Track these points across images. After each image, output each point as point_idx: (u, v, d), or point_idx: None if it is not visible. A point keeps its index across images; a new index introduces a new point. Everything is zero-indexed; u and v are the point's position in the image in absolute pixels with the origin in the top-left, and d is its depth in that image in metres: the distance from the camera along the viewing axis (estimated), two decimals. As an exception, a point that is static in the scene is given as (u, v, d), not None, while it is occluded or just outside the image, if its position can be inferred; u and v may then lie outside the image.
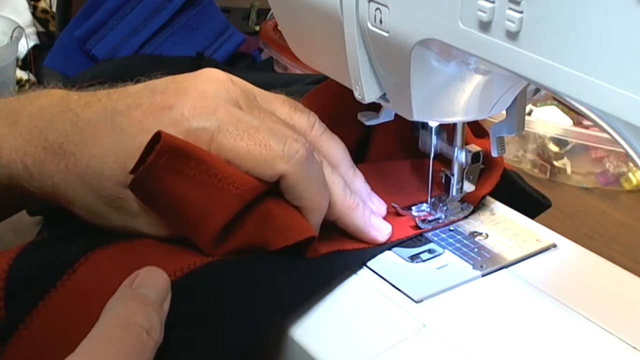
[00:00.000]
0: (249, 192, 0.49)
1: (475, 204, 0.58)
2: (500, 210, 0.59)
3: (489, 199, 0.59)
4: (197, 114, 0.50)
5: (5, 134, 0.52)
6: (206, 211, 0.48)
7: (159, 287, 0.43)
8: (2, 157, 0.52)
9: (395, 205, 0.57)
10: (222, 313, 0.46)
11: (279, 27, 0.59)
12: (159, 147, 0.47)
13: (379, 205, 0.56)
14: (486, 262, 0.53)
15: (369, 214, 0.54)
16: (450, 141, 0.56)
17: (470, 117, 0.53)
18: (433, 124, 0.56)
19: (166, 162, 0.47)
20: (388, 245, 0.54)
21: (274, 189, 0.51)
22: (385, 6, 0.46)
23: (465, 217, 0.58)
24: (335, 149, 0.56)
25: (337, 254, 0.52)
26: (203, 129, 0.49)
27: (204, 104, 0.50)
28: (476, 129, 0.59)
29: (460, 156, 0.55)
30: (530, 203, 0.61)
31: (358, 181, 0.56)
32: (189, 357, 0.44)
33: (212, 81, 0.53)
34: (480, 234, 0.56)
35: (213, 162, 0.49)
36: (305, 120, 0.56)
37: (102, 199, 0.50)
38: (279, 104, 0.56)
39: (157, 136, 0.47)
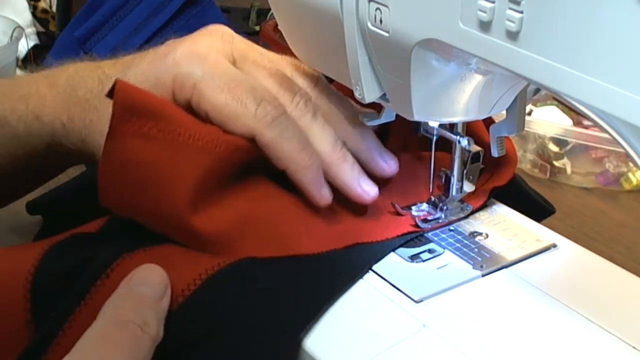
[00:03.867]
0: (221, 145, 0.49)
1: (486, 197, 0.58)
2: (500, 210, 0.59)
3: (490, 199, 0.59)
4: (187, 60, 0.52)
5: (46, 95, 0.57)
6: (175, 167, 0.48)
7: (155, 284, 0.44)
8: (45, 115, 0.56)
9: (395, 205, 0.57)
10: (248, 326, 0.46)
11: (279, 27, 0.59)
12: (114, 108, 0.48)
13: (390, 162, 0.57)
14: (486, 262, 0.53)
15: (358, 173, 0.55)
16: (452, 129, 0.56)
17: (470, 117, 0.53)
18: (433, 124, 0.56)
19: (123, 124, 0.48)
20: (392, 246, 0.54)
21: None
22: (386, 6, 0.46)
23: (465, 217, 0.58)
24: (335, 104, 0.56)
25: (343, 256, 0.52)
26: (189, 74, 0.52)
27: (196, 51, 0.53)
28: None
29: (463, 142, 0.55)
30: (534, 209, 0.61)
31: (361, 137, 0.56)
32: None
33: (211, 33, 0.56)
34: (480, 234, 0.56)
35: (174, 119, 0.49)
36: (308, 77, 0.57)
37: None
38: (284, 62, 0.58)
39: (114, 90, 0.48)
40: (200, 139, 0.49)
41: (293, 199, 0.54)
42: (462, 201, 0.58)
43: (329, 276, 0.50)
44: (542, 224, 0.58)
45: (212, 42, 0.55)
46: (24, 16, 1.07)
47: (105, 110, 0.52)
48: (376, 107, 0.56)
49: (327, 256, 0.52)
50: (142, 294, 0.43)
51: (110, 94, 0.49)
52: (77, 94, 0.56)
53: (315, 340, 0.47)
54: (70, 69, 0.58)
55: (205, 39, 0.55)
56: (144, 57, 0.56)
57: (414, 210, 0.57)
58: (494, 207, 0.59)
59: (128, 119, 0.48)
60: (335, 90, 0.57)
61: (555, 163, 0.87)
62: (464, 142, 0.54)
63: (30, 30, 1.08)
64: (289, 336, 0.46)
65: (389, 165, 0.57)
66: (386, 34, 0.47)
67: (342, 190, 0.55)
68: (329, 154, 0.54)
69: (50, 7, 1.11)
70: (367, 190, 0.55)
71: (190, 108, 0.52)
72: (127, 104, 0.48)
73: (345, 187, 0.54)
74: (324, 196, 0.53)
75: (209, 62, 0.52)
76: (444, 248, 0.54)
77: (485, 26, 0.40)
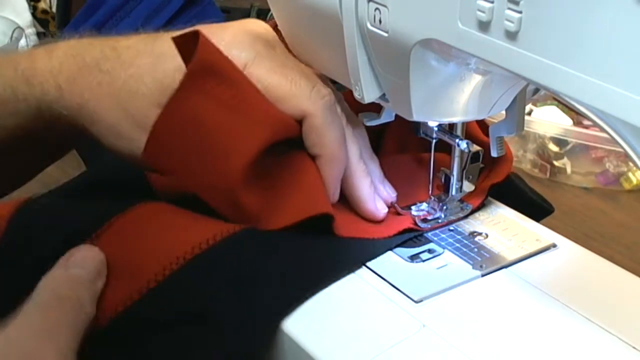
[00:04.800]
0: (278, 122, 0.50)
1: (485, 195, 0.58)
2: (500, 210, 0.59)
3: (489, 199, 0.59)
4: (237, 42, 0.53)
5: (41, 57, 0.55)
6: (237, 137, 0.49)
7: (90, 266, 0.45)
8: (36, 76, 0.54)
9: (395, 205, 0.57)
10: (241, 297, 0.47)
11: (278, 27, 0.59)
12: (193, 61, 0.47)
13: (390, 191, 0.57)
14: (486, 262, 0.53)
15: (374, 190, 0.55)
16: (452, 130, 0.56)
17: (470, 117, 0.53)
18: (433, 124, 0.56)
19: (198, 80, 0.47)
20: (389, 244, 0.54)
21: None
22: (385, 6, 0.46)
23: (465, 217, 0.58)
24: (352, 123, 0.57)
25: (342, 253, 0.52)
26: (239, 57, 0.52)
27: (244, 35, 0.54)
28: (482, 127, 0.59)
29: (462, 144, 0.55)
30: (533, 209, 0.61)
31: (373, 163, 0.57)
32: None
33: (254, 23, 0.57)
34: (480, 233, 0.56)
35: (244, 86, 0.49)
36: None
37: (130, 117, 0.51)
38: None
39: (194, 38, 0.47)
40: (262, 111, 0.50)
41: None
42: (461, 201, 0.58)
43: (320, 263, 0.51)
44: (542, 224, 0.58)
45: (256, 30, 0.55)
46: (24, 17, 1.07)
47: (119, 74, 0.51)
48: (375, 107, 0.56)
49: (324, 244, 0.52)
50: (76, 274, 0.45)
51: (179, 45, 0.48)
52: (84, 57, 0.54)
53: (315, 340, 0.47)
54: (71, 39, 0.57)
55: (250, 26, 0.56)
56: (173, 32, 0.54)
57: (414, 210, 0.57)
58: (494, 207, 0.59)
59: (203, 76, 0.48)
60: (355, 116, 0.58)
61: (555, 163, 0.87)
62: (463, 144, 0.55)
63: (30, 30, 1.08)
64: (270, 320, 0.47)
65: (388, 193, 0.57)
66: (385, 34, 0.47)
67: (355, 202, 0.55)
68: (354, 164, 0.54)
69: (50, 7, 1.11)
70: (380, 209, 0.55)
71: None
72: (206, 61, 0.48)
73: (361, 200, 0.55)
74: (336, 195, 0.54)
75: (257, 46, 0.53)
76: (443, 248, 0.54)
77: (484, 26, 0.40)
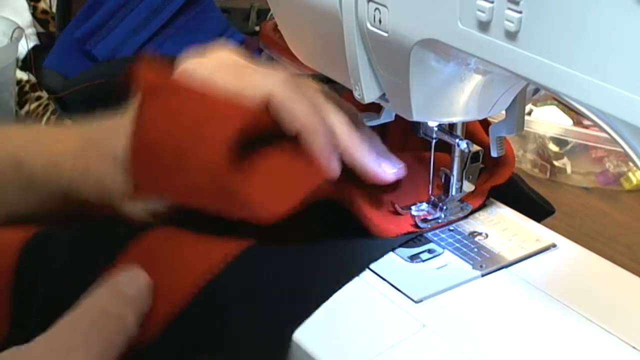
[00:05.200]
0: (243, 110, 0.51)
1: (485, 196, 0.58)
2: (500, 210, 0.59)
3: (489, 199, 0.59)
4: (196, 66, 0.55)
5: (66, 142, 0.57)
6: (207, 133, 0.49)
7: (138, 285, 0.45)
8: (64, 162, 0.55)
9: (395, 205, 0.57)
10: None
11: (279, 27, 0.59)
12: (139, 88, 0.49)
13: (395, 163, 0.56)
14: (486, 262, 0.53)
15: (374, 155, 0.54)
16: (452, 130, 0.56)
17: (470, 117, 0.52)
18: (433, 124, 0.56)
19: (148, 104, 0.49)
20: (390, 245, 0.54)
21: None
22: (385, 6, 0.46)
23: (465, 217, 0.58)
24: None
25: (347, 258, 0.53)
26: (201, 73, 0.54)
27: (204, 61, 0.56)
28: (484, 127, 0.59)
29: (462, 144, 0.55)
30: (534, 210, 0.61)
31: (374, 139, 0.56)
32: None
33: (216, 50, 0.58)
34: (480, 233, 0.56)
35: (195, 93, 0.51)
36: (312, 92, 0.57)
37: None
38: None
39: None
40: (223, 105, 0.51)
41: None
42: (461, 201, 0.58)
43: (327, 272, 0.51)
44: (542, 224, 0.58)
45: (221, 55, 0.57)
46: (24, 17, 1.07)
47: (108, 140, 0.53)
48: (375, 107, 0.56)
49: (327, 247, 0.52)
50: (123, 291, 0.44)
51: (124, 82, 0.50)
52: (90, 137, 0.56)
53: (315, 340, 0.47)
54: (94, 124, 0.58)
55: (210, 55, 0.57)
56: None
57: (414, 210, 0.57)
58: (494, 207, 0.59)
59: (152, 97, 0.49)
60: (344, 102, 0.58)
61: (555, 163, 0.87)
62: (463, 144, 0.55)
63: (30, 30, 1.08)
64: (284, 332, 0.47)
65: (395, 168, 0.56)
66: (385, 34, 0.47)
67: (359, 169, 0.54)
68: (345, 133, 0.53)
69: (50, 7, 1.11)
70: (386, 169, 0.54)
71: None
72: (149, 83, 0.50)
73: (364, 164, 0.54)
74: (332, 168, 0.52)
75: (217, 65, 0.55)
76: (443, 248, 0.54)
77: (484, 26, 0.40)
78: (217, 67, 0.55)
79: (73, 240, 0.52)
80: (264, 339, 0.47)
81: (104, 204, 0.55)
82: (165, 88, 0.51)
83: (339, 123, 0.54)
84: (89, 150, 0.55)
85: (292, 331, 0.47)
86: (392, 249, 0.54)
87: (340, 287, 0.50)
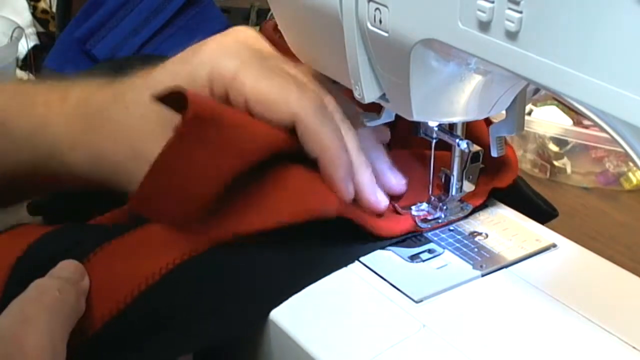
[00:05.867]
0: (264, 147, 0.51)
1: (485, 196, 0.58)
2: (500, 211, 0.59)
3: (490, 199, 0.59)
4: (222, 54, 0.53)
5: (55, 105, 0.56)
6: (209, 170, 0.49)
7: (70, 269, 0.48)
8: (51, 125, 0.55)
9: (396, 205, 0.57)
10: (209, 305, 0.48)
11: (279, 27, 0.59)
12: (187, 117, 0.47)
13: (399, 179, 0.57)
14: (486, 262, 0.53)
15: (374, 181, 0.55)
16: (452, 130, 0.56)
17: (470, 117, 0.52)
18: (433, 123, 0.56)
19: (190, 130, 0.48)
20: (388, 243, 0.54)
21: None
22: (385, 6, 0.46)
23: (465, 217, 0.58)
24: (350, 116, 0.56)
25: (337, 248, 0.53)
26: (226, 66, 0.52)
27: (229, 46, 0.54)
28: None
29: (462, 144, 0.55)
30: (536, 213, 0.61)
31: (378, 150, 0.57)
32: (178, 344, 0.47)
33: (237, 31, 0.57)
34: (480, 233, 0.56)
35: (234, 125, 0.49)
36: (324, 87, 0.57)
37: (146, 163, 0.51)
38: (303, 69, 0.57)
39: (183, 95, 0.47)
40: (247, 141, 0.50)
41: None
42: (461, 201, 0.58)
43: (314, 258, 0.51)
44: (542, 224, 0.58)
45: (242, 38, 0.56)
46: (24, 16, 1.07)
47: (123, 121, 0.53)
48: (376, 108, 0.56)
49: (317, 240, 0.52)
50: (58, 275, 0.47)
51: (164, 100, 0.49)
52: (89, 109, 0.55)
53: (315, 340, 0.47)
54: (79, 85, 0.58)
55: (232, 35, 0.56)
56: (164, 64, 0.55)
57: (414, 210, 0.57)
58: (494, 207, 0.59)
59: (203, 127, 0.48)
60: (349, 100, 0.57)
61: (555, 163, 0.87)
62: (463, 144, 0.55)
63: (30, 30, 1.08)
64: (261, 307, 0.49)
65: (398, 181, 0.57)
66: (385, 34, 0.47)
67: (358, 194, 0.55)
68: (354, 157, 0.54)
69: (50, 7, 1.11)
70: (381, 200, 0.55)
71: (228, 101, 0.52)
72: (202, 113, 0.48)
73: (363, 192, 0.55)
74: (351, 192, 0.54)
75: (243, 55, 0.53)
76: (443, 248, 0.54)
77: (484, 26, 0.40)
78: (239, 65, 0.52)
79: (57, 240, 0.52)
80: (237, 314, 0.48)
81: (93, 175, 0.54)
82: (206, 119, 0.49)
83: (351, 144, 0.54)
84: (86, 119, 0.55)
85: (269, 308, 0.48)
86: (389, 245, 0.54)
87: (326, 273, 0.51)
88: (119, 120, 0.54)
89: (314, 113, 0.52)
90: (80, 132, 0.55)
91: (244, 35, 0.56)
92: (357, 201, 0.55)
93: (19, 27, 0.96)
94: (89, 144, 0.54)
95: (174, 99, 0.48)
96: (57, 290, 0.45)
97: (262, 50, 0.56)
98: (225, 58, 0.53)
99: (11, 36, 0.94)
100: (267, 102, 0.51)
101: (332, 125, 0.53)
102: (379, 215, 0.56)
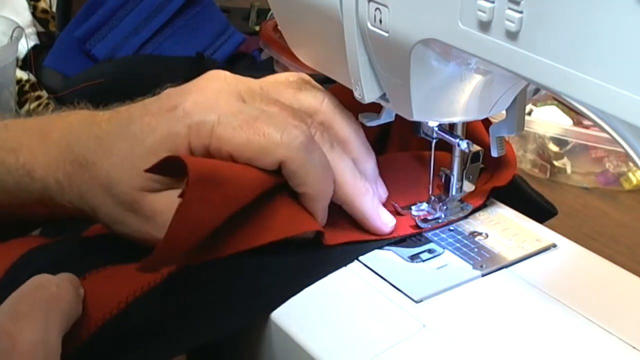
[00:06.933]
0: (259, 190, 0.50)
1: (486, 197, 0.58)
2: (500, 210, 0.59)
3: (490, 198, 0.59)
4: (198, 108, 0.51)
5: (37, 149, 0.55)
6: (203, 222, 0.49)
7: (67, 275, 0.48)
8: (36, 171, 0.55)
9: (395, 205, 0.57)
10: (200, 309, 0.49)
11: (279, 27, 0.59)
12: (189, 180, 0.47)
13: (382, 192, 0.57)
14: (486, 262, 0.53)
15: (377, 202, 0.55)
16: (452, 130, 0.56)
17: (470, 117, 0.53)
18: (433, 123, 0.56)
19: (194, 191, 0.47)
20: (387, 242, 0.54)
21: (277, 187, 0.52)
22: (385, 6, 0.46)
23: (465, 217, 0.58)
24: (346, 127, 0.56)
25: (336, 247, 0.53)
26: (204, 122, 0.51)
27: (205, 98, 0.52)
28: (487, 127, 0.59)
29: (462, 144, 0.55)
30: (536, 211, 0.61)
31: (369, 162, 0.56)
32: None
33: (214, 79, 0.55)
34: (480, 233, 0.56)
35: (230, 179, 0.49)
36: (312, 98, 0.56)
37: (120, 204, 0.52)
38: (283, 87, 0.56)
39: (180, 161, 0.48)
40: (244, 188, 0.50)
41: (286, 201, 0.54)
42: (461, 201, 0.58)
43: (314, 258, 0.52)
44: (542, 224, 0.58)
45: (217, 86, 0.54)
46: (24, 16, 1.07)
47: (102, 164, 0.52)
48: (376, 107, 0.56)
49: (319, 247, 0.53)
50: (56, 276, 0.47)
51: (161, 171, 0.49)
52: (73, 150, 0.54)
53: (315, 340, 0.47)
54: (62, 122, 0.56)
55: (210, 85, 0.54)
56: (145, 109, 0.54)
57: (414, 210, 0.57)
58: (494, 207, 0.59)
59: (203, 186, 0.48)
60: (342, 107, 0.57)
61: (555, 163, 0.87)
62: (463, 144, 0.55)
63: (30, 30, 1.08)
64: (262, 305, 0.49)
65: (380, 195, 0.57)
66: (386, 34, 0.47)
67: (359, 220, 0.55)
68: (352, 185, 0.54)
69: (50, 7, 1.11)
70: (386, 222, 0.55)
71: (209, 155, 0.51)
72: (202, 176, 0.48)
73: (366, 219, 0.54)
74: (324, 221, 0.54)
75: (220, 106, 0.52)
76: (443, 248, 0.54)
77: (484, 26, 0.40)
78: (217, 119, 0.51)
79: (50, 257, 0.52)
80: (237, 314, 0.48)
81: (87, 209, 0.54)
82: (206, 180, 0.48)
83: (345, 172, 0.53)
84: (71, 165, 0.54)
85: (271, 306, 0.49)
86: (389, 245, 0.54)
87: (326, 273, 0.51)
88: (97, 167, 0.53)
89: (298, 154, 0.50)
90: (65, 176, 0.54)
91: (216, 83, 0.55)
92: (350, 218, 0.55)
93: (19, 27, 0.96)
94: (76, 187, 0.54)
95: (165, 166, 0.49)
96: (55, 285, 0.45)
97: (240, 93, 0.54)
98: (203, 112, 0.51)
99: (11, 36, 0.94)
100: (250, 154, 0.50)
101: (318, 159, 0.52)
102: None
